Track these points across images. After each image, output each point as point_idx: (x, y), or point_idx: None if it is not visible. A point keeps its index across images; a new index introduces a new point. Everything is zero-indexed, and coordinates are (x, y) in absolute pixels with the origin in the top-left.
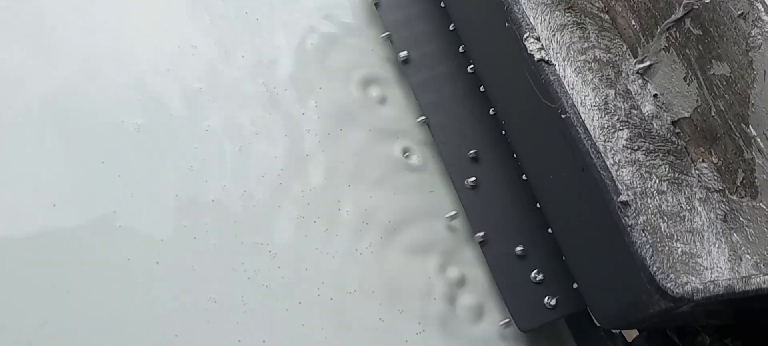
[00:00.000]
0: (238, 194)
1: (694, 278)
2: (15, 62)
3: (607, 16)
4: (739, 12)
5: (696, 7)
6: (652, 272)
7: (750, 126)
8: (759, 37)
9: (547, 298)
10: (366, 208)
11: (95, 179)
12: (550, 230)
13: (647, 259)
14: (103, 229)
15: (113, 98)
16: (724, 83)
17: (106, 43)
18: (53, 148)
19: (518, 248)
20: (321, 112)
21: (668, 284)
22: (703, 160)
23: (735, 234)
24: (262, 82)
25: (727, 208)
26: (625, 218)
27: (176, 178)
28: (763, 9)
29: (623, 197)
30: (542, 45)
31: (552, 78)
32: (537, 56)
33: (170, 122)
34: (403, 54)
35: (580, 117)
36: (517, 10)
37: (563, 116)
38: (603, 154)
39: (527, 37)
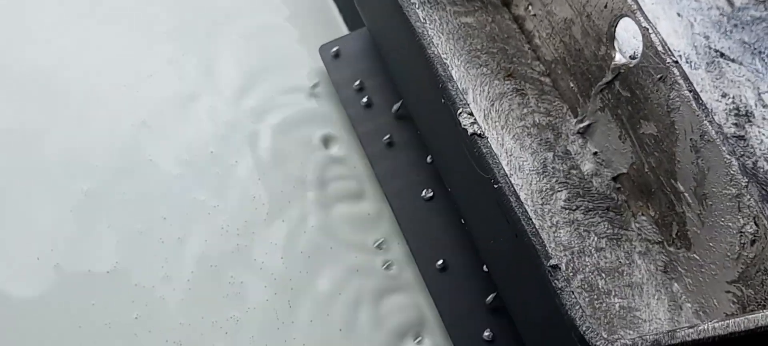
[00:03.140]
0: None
1: (630, 332)
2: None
3: (548, 79)
4: (659, 76)
5: (622, 71)
6: (582, 332)
7: (678, 182)
8: (677, 99)
9: None
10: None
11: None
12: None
13: (576, 319)
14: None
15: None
16: (653, 142)
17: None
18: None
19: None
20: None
21: (598, 342)
22: (642, 214)
23: (675, 284)
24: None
25: (667, 259)
26: (556, 281)
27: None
28: (678, 73)
29: (553, 261)
30: (475, 119)
31: (485, 150)
32: (470, 130)
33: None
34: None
35: (512, 186)
36: (450, 87)
37: (495, 186)
38: (540, 218)
39: (461, 113)
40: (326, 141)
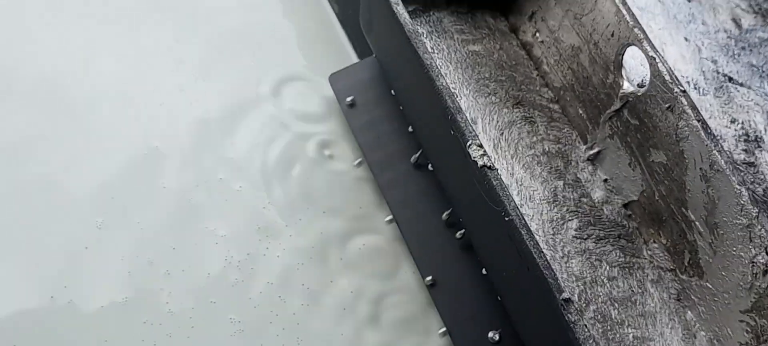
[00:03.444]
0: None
1: None
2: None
3: (557, 106)
4: (667, 105)
5: (630, 99)
6: None
7: (689, 211)
8: (686, 129)
9: None
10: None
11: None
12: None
13: None
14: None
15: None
16: (663, 170)
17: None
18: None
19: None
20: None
21: None
22: (653, 241)
23: (689, 312)
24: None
25: (680, 286)
26: (569, 314)
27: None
28: (687, 103)
29: (565, 295)
30: (485, 151)
31: (495, 182)
32: (480, 163)
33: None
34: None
35: (523, 218)
36: (459, 119)
37: (507, 219)
38: (551, 249)
39: (470, 145)
40: (328, 154)
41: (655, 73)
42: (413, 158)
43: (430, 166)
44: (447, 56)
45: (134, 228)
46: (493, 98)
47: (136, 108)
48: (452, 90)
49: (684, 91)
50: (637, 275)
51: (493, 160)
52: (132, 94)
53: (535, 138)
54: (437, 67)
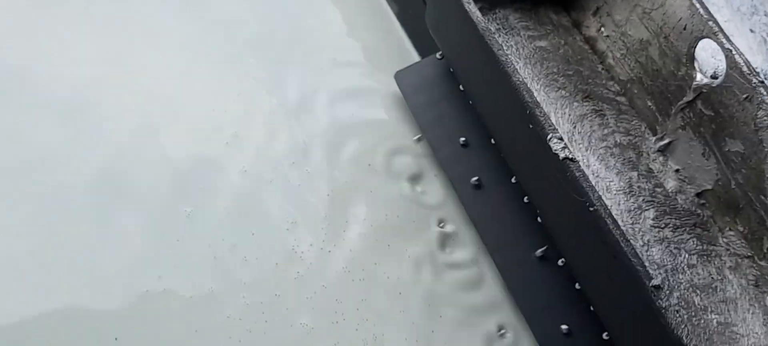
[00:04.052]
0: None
1: None
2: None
3: (624, 99)
4: (745, 95)
5: (704, 90)
6: None
7: None
8: (765, 118)
9: None
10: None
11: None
12: (591, 309)
13: (684, 338)
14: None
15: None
16: (740, 159)
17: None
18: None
19: (563, 326)
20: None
21: None
22: (729, 229)
23: (767, 297)
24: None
25: (758, 273)
26: (659, 300)
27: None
28: (766, 93)
29: (655, 282)
30: (565, 143)
31: (578, 174)
32: (561, 155)
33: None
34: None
35: (607, 209)
36: (538, 113)
37: (591, 209)
38: (632, 238)
39: (550, 138)
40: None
41: (732, 64)
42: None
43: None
44: (516, 53)
45: (216, 214)
46: (563, 92)
47: (217, 98)
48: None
49: (762, 82)
50: (715, 262)
51: (572, 153)
52: (200, 99)
53: (606, 130)
54: (513, 63)
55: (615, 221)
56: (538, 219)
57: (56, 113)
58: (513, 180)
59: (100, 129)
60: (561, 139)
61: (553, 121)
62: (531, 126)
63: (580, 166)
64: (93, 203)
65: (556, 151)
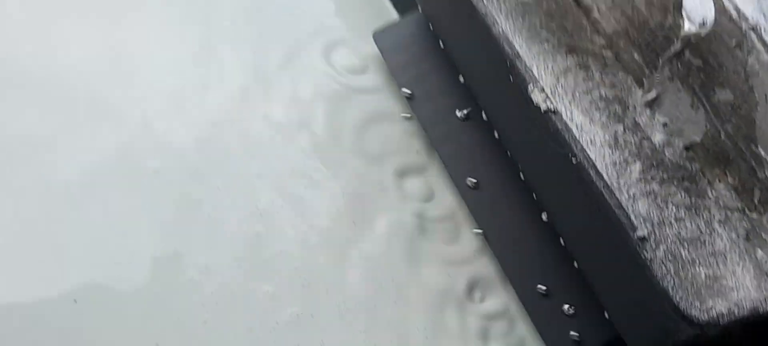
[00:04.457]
0: None
1: (720, 301)
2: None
3: (609, 52)
4: (734, 42)
5: (693, 40)
6: (676, 302)
7: (759, 147)
8: (756, 64)
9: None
10: None
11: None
12: (575, 265)
13: (669, 289)
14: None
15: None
16: (730, 109)
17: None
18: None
19: (541, 286)
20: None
21: (693, 312)
22: (719, 181)
23: (759, 250)
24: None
25: (749, 225)
26: (644, 252)
27: None
28: (756, 38)
29: (640, 233)
30: (547, 95)
31: (560, 126)
32: (543, 107)
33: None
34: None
35: (591, 159)
36: (519, 65)
37: (574, 161)
38: (617, 191)
39: (532, 90)
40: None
41: (721, 10)
42: (463, 112)
43: (484, 117)
44: (497, 7)
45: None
46: (546, 46)
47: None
48: (509, 38)
49: (753, 27)
50: (704, 215)
51: (555, 105)
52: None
53: (590, 84)
54: (492, 15)
55: (598, 173)
56: (521, 176)
57: (54, 100)
58: (495, 136)
59: (105, 116)
60: (543, 90)
61: (536, 74)
62: (511, 78)
63: (562, 117)
64: (102, 188)
65: (538, 103)
